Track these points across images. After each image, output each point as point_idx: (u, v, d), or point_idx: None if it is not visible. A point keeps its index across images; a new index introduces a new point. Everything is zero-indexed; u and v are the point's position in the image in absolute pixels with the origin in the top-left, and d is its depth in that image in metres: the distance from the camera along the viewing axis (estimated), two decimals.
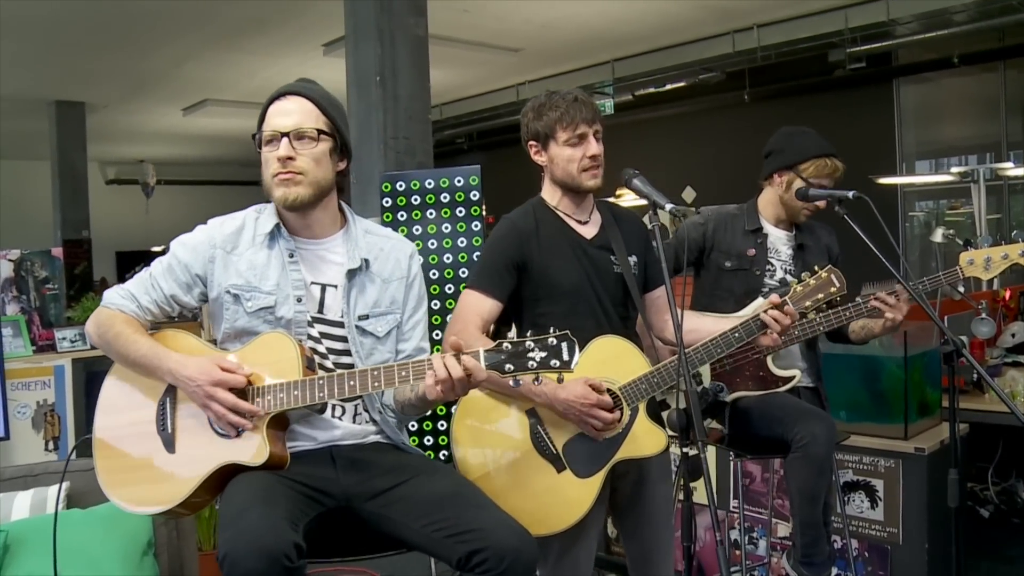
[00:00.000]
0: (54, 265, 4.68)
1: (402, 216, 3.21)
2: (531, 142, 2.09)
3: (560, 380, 1.60)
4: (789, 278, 2.53)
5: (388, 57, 3.85)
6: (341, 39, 4.39)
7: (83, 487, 2.29)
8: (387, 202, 3.22)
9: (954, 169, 5.72)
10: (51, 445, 4.23)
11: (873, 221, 2.01)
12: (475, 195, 3.22)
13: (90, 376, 4.33)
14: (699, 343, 2.02)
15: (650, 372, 1.95)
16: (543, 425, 1.95)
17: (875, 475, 2.98)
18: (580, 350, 1.60)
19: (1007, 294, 4.13)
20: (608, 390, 1.91)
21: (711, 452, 3.06)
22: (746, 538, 3.23)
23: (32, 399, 4.20)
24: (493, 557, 1.53)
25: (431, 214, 3.21)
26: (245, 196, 1.79)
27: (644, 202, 1.87)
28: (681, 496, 1.70)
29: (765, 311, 1.99)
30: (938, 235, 4.09)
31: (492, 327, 2.07)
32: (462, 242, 3.20)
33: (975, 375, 3.34)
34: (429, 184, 3.21)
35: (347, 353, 1.80)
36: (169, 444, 1.70)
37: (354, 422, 1.80)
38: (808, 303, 2.03)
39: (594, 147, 2.03)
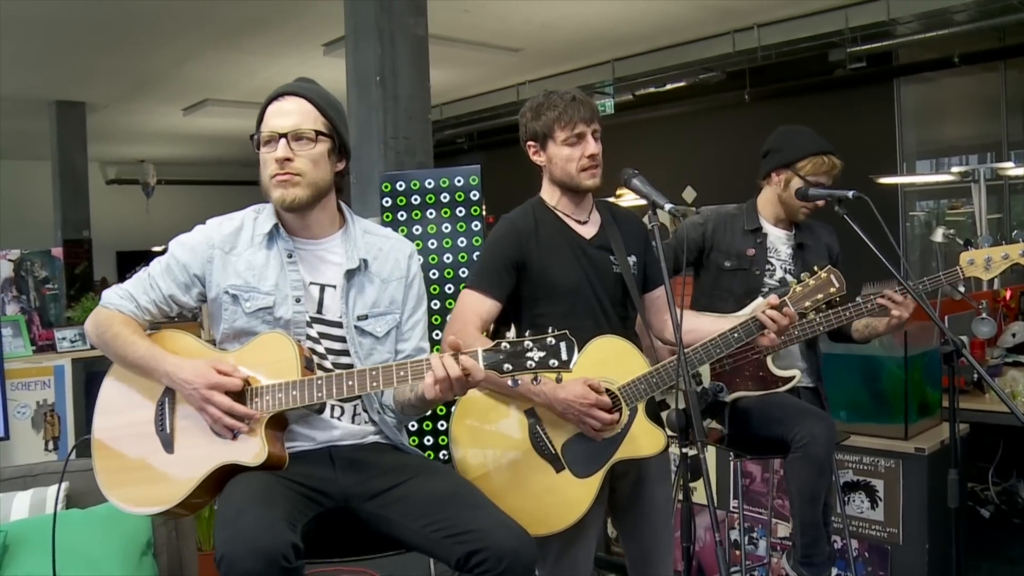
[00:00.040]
0: (54, 265, 4.68)
1: (402, 216, 3.20)
2: (529, 142, 2.09)
3: (559, 380, 1.60)
4: (789, 278, 2.53)
5: (388, 57, 3.85)
6: (341, 39, 4.39)
7: (83, 487, 2.29)
8: (387, 202, 3.22)
9: (955, 169, 5.72)
10: (51, 445, 4.23)
11: (873, 221, 2.01)
12: (475, 195, 3.22)
13: (90, 376, 4.33)
14: (698, 343, 2.01)
15: (649, 372, 1.95)
16: (542, 425, 1.95)
17: (875, 475, 2.98)
18: (579, 350, 1.60)
19: (1008, 294, 4.13)
20: (607, 390, 1.91)
21: (711, 452, 3.06)
22: (746, 538, 3.22)
23: (32, 399, 4.21)
24: (492, 558, 1.52)
25: (431, 214, 3.20)
26: (246, 196, 1.79)
27: (644, 202, 1.87)
28: (680, 496, 1.70)
29: (763, 312, 1.99)
30: (939, 235, 4.08)
31: (491, 327, 2.07)
32: (462, 242, 3.20)
33: (975, 375, 3.34)
34: (429, 184, 3.21)
35: (346, 353, 1.79)
36: (168, 444, 1.70)
37: (353, 422, 1.80)
38: (807, 304, 2.03)
39: (592, 146, 2.02)
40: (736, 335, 2.01)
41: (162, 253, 1.83)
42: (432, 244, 3.19)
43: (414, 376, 1.61)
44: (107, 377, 1.80)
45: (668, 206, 1.80)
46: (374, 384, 1.63)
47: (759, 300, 2.45)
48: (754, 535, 3.23)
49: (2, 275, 4.54)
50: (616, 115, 7.97)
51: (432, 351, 1.79)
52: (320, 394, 1.64)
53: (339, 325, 1.79)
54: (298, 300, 1.76)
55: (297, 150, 1.73)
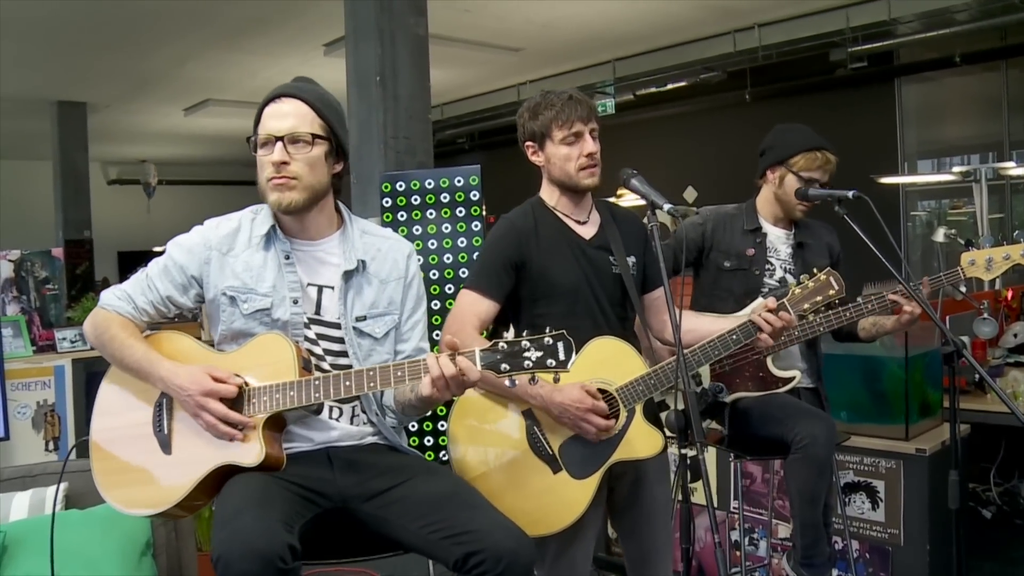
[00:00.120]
0: (54, 265, 4.68)
1: (402, 216, 3.20)
2: (528, 143, 2.09)
3: (556, 380, 1.59)
4: (789, 277, 2.53)
5: (388, 57, 3.85)
6: (342, 39, 4.39)
7: (82, 488, 2.29)
8: (387, 202, 3.21)
9: (956, 169, 5.72)
10: (51, 445, 4.23)
11: (874, 221, 2.00)
12: (475, 195, 3.21)
13: (90, 376, 4.33)
14: (697, 345, 2.01)
15: (647, 374, 1.94)
16: (539, 426, 1.94)
17: (876, 476, 2.97)
18: (577, 351, 1.59)
19: (1009, 294, 4.12)
20: (605, 391, 1.91)
21: (711, 453, 3.06)
22: (746, 539, 3.22)
23: (32, 399, 4.20)
24: (490, 559, 1.52)
25: (431, 214, 3.20)
26: (247, 196, 1.78)
27: (644, 202, 1.87)
28: (680, 497, 1.69)
29: (759, 314, 1.98)
30: (940, 235, 4.08)
31: (490, 327, 2.07)
32: (462, 242, 3.20)
33: (976, 375, 3.33)
34: (429, 184, 3.21)
35: (344, 355, 1.79)
36: (165, 445, 1.70)
37: (351, 423, 1.80)
38: (806, 306, 2.03)
39: (590, 145, 2.02)
40: (735, 337, 2.00)
41: (163, 254, 1.82)
42: (432, 244, 3.19)
43: (411, 376, 1.61)
44: (105, 378, 1.80)
45: (667, 206, 1.79)
46: (371, 384, 1.63)
47: (759, 300, 2.45)
48: (755, 536, 3.23)
49: (2, 275, 4.54)
50: (617, 115, 7.97)
51: (432, 351, 1.79)
52: (317, 395, 1.64)
53: (337, 326, 1.79)
54: (296, 301, 1.76)
55: (294, 153, 1.72)
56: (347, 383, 1.63)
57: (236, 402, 1.65)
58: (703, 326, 2.07)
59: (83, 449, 1.81)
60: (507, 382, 1.57)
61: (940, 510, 2.78)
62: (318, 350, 1.78)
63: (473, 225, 3.21)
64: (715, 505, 2.76)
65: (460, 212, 3.20)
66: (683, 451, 1.64)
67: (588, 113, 2.01)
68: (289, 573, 1.42)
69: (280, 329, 1.74)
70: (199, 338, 1.81)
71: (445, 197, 3.20)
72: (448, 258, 3.20)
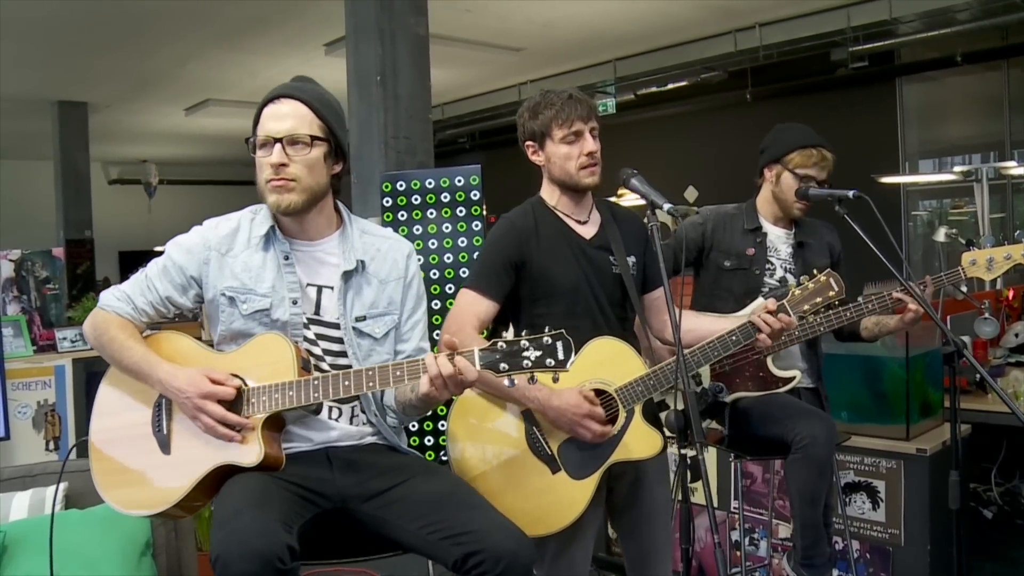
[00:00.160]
0: (55, 265, 4.68)
1: (402, 216, 3.20)
2: (528, 142, 2.08)
3: (555, 379, 1.59)
4: (789, 277, 2.52)
5: (389, 57, 3.84)
6: (342, 39, 4.39)
7: (81, 488, 2.28)
8: (387, 202, 3.21)
9: (957, 168, 5.71)
10: (51, 445, 4.23)
11: (875, 221, 2.00)
12: (476, 195, 3.21)
13: (91, 376, 4.33)
14: (696, 346, 2.00)
15: (647, 374, 1.94)
16: (538, 427, 1.94)
17: (876, 476, 2.97)
18: (577, 351, 1.59)
19: (1010, 294, 4.11)
20: (604, 392, 1.90)
21: (711, 453, 3.05)
22: (747, 539, 3.21)
23: (32, 399, 4.21)
24: (489, 559, 1.52)
25: (431, 214, 3.20)
26: (248, 196, 1.78)
27: (644, 202, 1.86)
28: (679, 497, 1.69)
29: (758, 315, 1.98)
30: (941, 234, 4.07)
31: (490, 327, 2.06)
32: (462, 242, 3.19)
33: (977, 375, 3.32)
34: (430, 184, 3.20)
35: (344, 355, 1.78)
36: (164, 446, 1.69)
37: (351, 424, 1.80)
38: (806, 307, 2.03)
39: (591, 144, 2.02)
40: (734, 338, 2.00)
41: (163, 254, 1.82)
42: (432, 244, 3.19)
43: (410, 376, 1.61)
44: (104, 379, 1.80)
45: (667, 206, 1.79)
46: (370, 384, 1.62)
47: (759, 300, 2.45)
48: (755, 536, 3.22)
49: (3, 275, 4.54)
50: (618, 115, 7.96)
51: (432, 351, 1.79)
52: (316, 395, 1.64)
53: (336, 326, 1.79)
54: (295, 302, 1.76)
55: (292, 155, 1.71)
56: (346, 383, 1.63)
57: (235, 403, 1.65)
58: (703, 326, 2.06)
59: (83, 449, 1.81)
60: (506, 382, 1.57)
61: (941, 510, 2.77)
62: (317, 350, 1.77)
63: (473, 225, 3.20)
64: (715, 505, 2.76)
65: (460, 212, 3.20)
66: (683, 451, 1.64)
67: (588, 112, 2.01)
68: (288, 573, 1.42)
69: (279, 329, 1.74)
70: (199, 338, 1.80)
71: (445, 197, 3.20)
72: (448, 258, 3.19)
